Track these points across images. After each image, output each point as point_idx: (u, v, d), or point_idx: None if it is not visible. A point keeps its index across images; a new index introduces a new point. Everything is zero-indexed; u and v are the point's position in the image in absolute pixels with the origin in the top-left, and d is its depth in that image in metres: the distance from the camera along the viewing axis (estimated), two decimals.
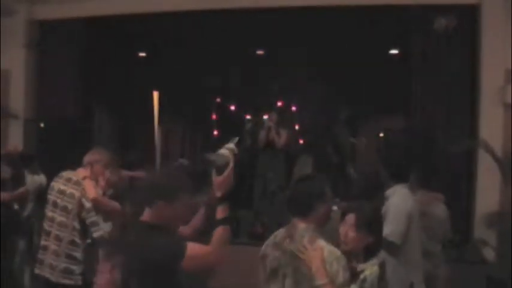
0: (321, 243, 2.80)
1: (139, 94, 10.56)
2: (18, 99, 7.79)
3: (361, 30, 8.09)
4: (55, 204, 4.24)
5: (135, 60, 10.31)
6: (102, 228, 4.07)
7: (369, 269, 2.83)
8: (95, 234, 4.08)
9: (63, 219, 4.18)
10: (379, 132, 9.89)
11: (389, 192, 4.00)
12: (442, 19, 6.33)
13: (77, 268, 4.13)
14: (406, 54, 7.52)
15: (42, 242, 4.27)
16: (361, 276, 2.79)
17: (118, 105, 9.90)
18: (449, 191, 5.19)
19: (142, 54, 10.36)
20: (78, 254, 4.15)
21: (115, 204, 4.17)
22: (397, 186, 4.03)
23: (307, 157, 8.61)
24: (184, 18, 7.69)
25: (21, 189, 5.67)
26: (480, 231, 6.05)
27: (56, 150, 7.47)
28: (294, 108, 10.85)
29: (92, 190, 4.12)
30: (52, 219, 4.24)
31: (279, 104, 10.29)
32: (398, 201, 3.87)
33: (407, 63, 7.18)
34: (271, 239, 3.04)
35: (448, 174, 6.29)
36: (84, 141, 7.79)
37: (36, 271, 4.27)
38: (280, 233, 3.02)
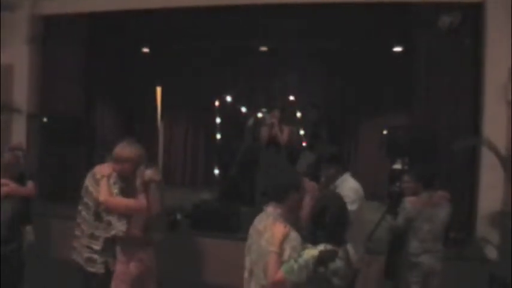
0: (281, 224, 3.21)
1: (142, 89, 10.59)
2: (21, 94, 7.82)
3: (365, 27, 8.07)
4: (81, 199, 4.42)
5: (138, 56, 10.31)
6: (116, 228, 4.09)
7: (308, 252, 3.03)
8: (110, 234, 4.14)
9: (85, 213, 4.36)
10: (382, 130, 9.88)
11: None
12: (446, 16, 6.32)
13: (98, 258, 4.28)
14: (410, 51, 7.49)
15: (75, 232, 4.45)
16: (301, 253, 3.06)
17: (121, 101, 9.90)
18: (452, 189, 5.17)
19: (145, 50, 10.37)
20: (97, 247, 4.27)
21: (128, 203, 4.15)
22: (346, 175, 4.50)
23: (310, 153, 8.58)
24: (188, 15, 7.68)
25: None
26: (483, 229, 6.05)
27: (59, 145, 7.48)
28: (296, 105, 10.81)
29: (103, 191, 4.13)
30: (80, 212, 4.43)
31: (282, 100, 10.27)
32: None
33: (411, 61, 7.16)
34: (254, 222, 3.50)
35: (451, 172, 6.28)
36: (87, 137, 7.80)
37: (73, 256, 4.44)
38: (259, 216, 3.48)
